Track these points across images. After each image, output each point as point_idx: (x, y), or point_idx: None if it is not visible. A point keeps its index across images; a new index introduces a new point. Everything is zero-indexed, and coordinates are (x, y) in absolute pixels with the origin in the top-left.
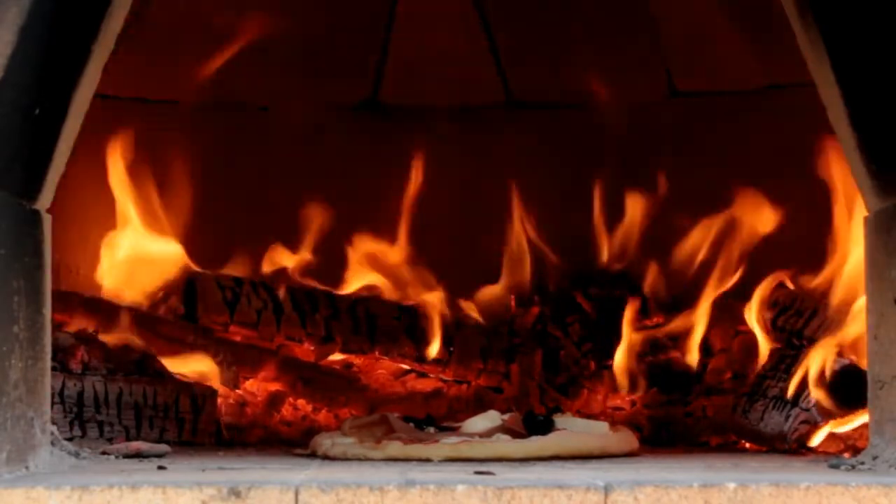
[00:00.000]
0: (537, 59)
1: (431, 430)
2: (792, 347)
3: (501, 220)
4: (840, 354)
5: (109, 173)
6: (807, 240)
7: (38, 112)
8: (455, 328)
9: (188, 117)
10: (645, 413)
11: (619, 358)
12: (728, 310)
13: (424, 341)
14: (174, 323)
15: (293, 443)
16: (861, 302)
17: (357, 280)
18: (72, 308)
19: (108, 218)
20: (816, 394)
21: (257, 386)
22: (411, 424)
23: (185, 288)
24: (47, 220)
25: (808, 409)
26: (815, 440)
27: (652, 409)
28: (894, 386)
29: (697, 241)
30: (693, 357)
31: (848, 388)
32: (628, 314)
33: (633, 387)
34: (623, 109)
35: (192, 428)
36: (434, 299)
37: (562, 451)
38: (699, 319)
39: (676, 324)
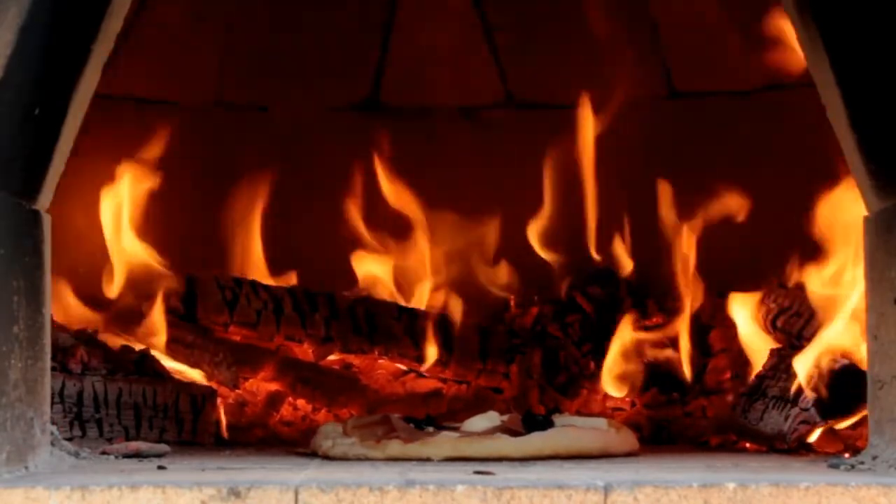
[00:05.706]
0: (537, 59)
1: (431, 430)
2: (792, 347)
3: (499, 219)
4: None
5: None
6: (807, 239)
7: (38, 112)
8: (455, 328)
9: (188, 117)
10: (645, 413)
11: (613, 360)
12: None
13: (424, 341)
14: (174, 323)
15: (293, 443)
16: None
17: (365, 282)
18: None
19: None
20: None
21: (257, 386)
22: (411, 424)
23: (185, 288)
24: (47, 220)
25: (807, 409)
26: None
27: (652, 409)
28: (894, 386)
29: (695, 240)
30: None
31: (847, 388)
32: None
33: (630, 390)
34: (622, 109)
35: (192, 428)
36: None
37: (562, 451)
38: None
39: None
